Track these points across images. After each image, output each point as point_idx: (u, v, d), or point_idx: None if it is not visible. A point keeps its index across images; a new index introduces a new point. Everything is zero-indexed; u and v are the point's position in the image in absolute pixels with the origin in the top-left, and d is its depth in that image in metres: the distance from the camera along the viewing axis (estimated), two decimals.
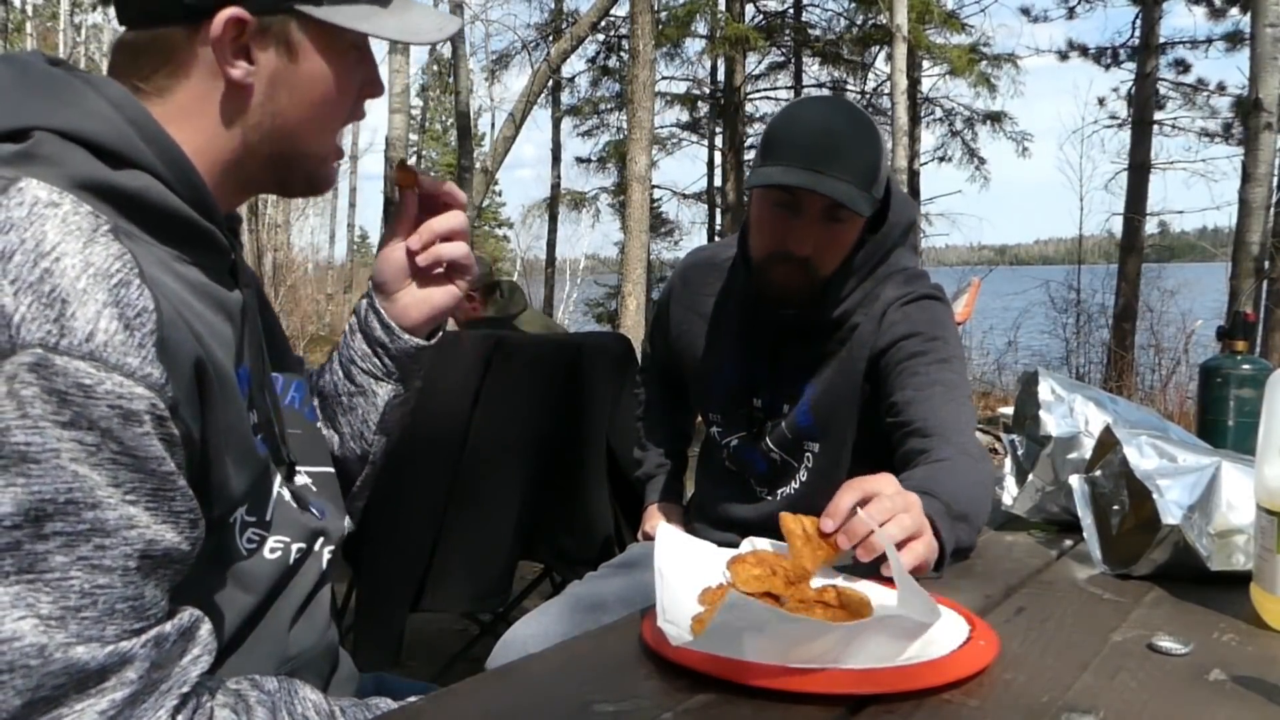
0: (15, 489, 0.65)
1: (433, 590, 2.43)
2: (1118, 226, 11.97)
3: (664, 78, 13.66)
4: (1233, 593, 1.00)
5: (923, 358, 1.44)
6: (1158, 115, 11.99)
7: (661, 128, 14.18)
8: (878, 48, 13.20)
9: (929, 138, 14.36)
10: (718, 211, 14.86)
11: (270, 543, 0.88)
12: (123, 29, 0.84)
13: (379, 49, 0.95)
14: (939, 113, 14.37)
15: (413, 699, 0.80)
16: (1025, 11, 13.84)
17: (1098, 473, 1.17)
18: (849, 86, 14.04)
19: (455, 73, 10.93)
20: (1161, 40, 12.02)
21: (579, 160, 15.65)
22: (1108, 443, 1.18)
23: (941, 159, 14.42)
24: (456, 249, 1.05)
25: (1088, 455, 1.25)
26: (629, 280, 7.16)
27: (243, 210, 0.99)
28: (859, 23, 13.58)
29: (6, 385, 0.65)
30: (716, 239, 12.51)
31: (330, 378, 1.12)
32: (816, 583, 0.95)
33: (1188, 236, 12.84)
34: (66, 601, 0.66)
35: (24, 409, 0.65)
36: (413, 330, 1.08)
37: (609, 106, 15.21)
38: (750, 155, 12.82)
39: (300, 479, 0.97)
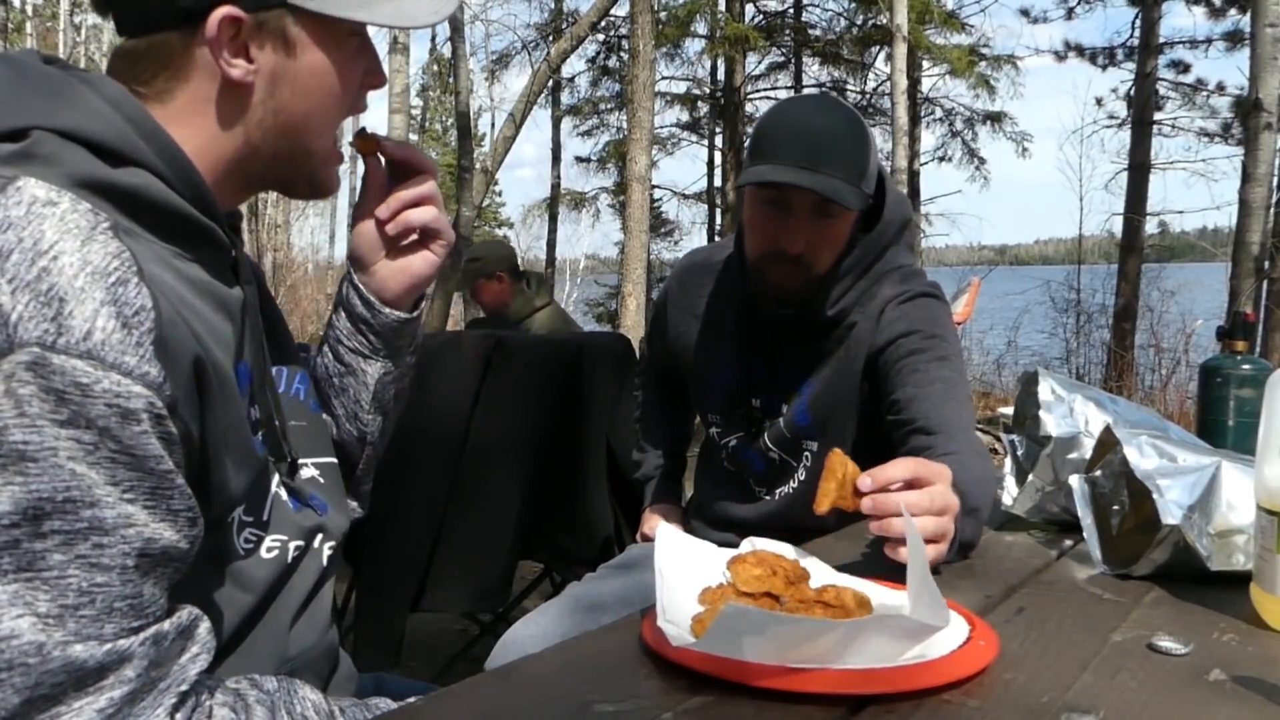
0: (13, 487, 0.65)
1: (433, 590, 2.43)
2: (1118, 226, 11.98)
3: (664, 78, 13.67)
4: (1233, 593, 1.00)
5: (922, 355, 1.45)
6: (1157, 115, 11.99)
7: (661, 128, 14.19)
8: (878, 48, 13.19)
9: (929, 138, 14.39)
10: (718, 211, 14.86)
11: (267, 542, 0.88)
12: (119, 38, 0.84)
13: (379, 46, 0.94)
14: (939, 113, 14.39)
15: (412, 699, 0.80)
16: (1025, 13, 13.84)
17: (1098, 473, 1.17)
18: (849, 86, 14.04)
19: (455, 73, 10.93)
20: (1161, 40, 12.02)
21: (579, 160, 15.66)
22: (1108, 443, 1.18)
23: (941, 159, 14.43)
24: (425, 214, 1.02)
25: (1088, 455, 1.25)
26: (629, 280, 7.17)
27: (242, 209, 0.99)
28: (859, 23, 13.58)
29: (4, 384, 0.65)
30: (716, 239, 12.52)
31: (321, 360, 1.11)
32: (816, 583, 0.95)
33: (1188, 236, 12.83)
34: (65, 600, 0.66)
35: (22, 407, 0.65)
36: (395, 303, 1.06)
37: (609, 106, 15.22)
38: None
39: (306, 471, 0.97)
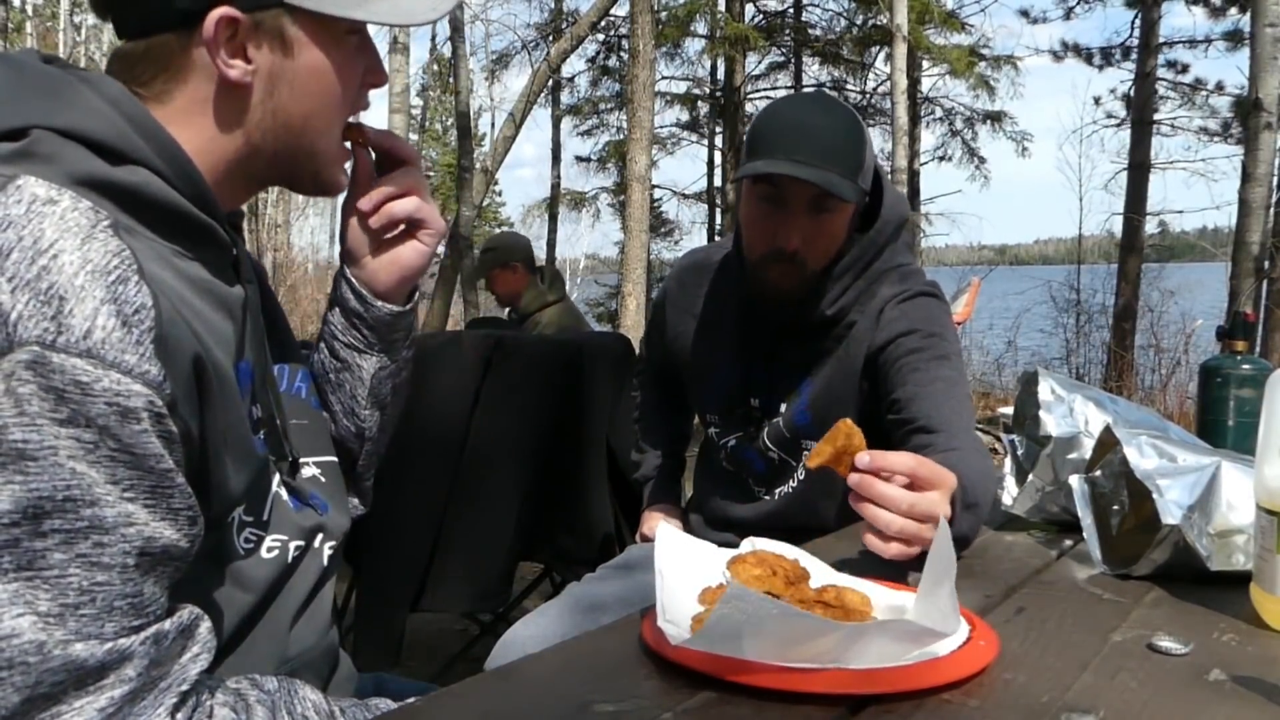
0: (13, 486, 0.65)
1: (433, 590, 2.43)
2: (1118, 226, 11.98)
3: (664, 78, 13.66)
4: (1233, 593, 1.00)
5: (922, 354, 1.45)
6: (1157, 115, 11.99)
7: (661, 128, 14.19)
8: (878, 48, 13.19)
9: (929, 137, 14.39)
10: (718, 211, 14.86)
11: (267, 542, 0.88)
12: (119, 41, 0.84)
13: (379, 45, 0.94)
14: (939, 112, 14.38)
15: (412, 699, 0.80)
16: (1024, 13, 13.83)
17: (1098, 473, 1.17)
18: (849, 86, 14.04)
19: (455, 73, 10.93)
20: (1161, 40, 12.02)
21: (579, 160, 15.65)
22: (1108, 443, 1.18)
23: (941, 158, 14.43)
24: (407, 204, 1.01)
25: (1088, 455, 1.25)
26: (629, 280, 7.16)
27: (243, 208, 0.98)
28: (859, 23, 13.57)
29: (4, 383, 0.65)
30: (716, 239, 12.51)
31: (317, 357, 1.10)
32: (816, 583, 0.95)
33: (1188, 236, 12.83)
34: (65, 599, 0.66)
35: (21, 406, 0.65)
36: (387, 296, 1.05)
37: (609, 106, 15.20)
38: None
39: (308, 470, 0.97)
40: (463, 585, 2.45)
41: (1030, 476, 1.33)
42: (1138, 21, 12.16)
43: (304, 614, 0.92)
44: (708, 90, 15.06)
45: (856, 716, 0.73)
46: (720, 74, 14.55)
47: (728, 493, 1.67)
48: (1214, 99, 12.52)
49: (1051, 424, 1.32)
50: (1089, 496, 1.17)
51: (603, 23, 11.47)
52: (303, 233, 23.13)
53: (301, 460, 0.96)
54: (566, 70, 14.42)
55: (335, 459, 1.03)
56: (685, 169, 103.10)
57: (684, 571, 0.96)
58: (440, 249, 1.06)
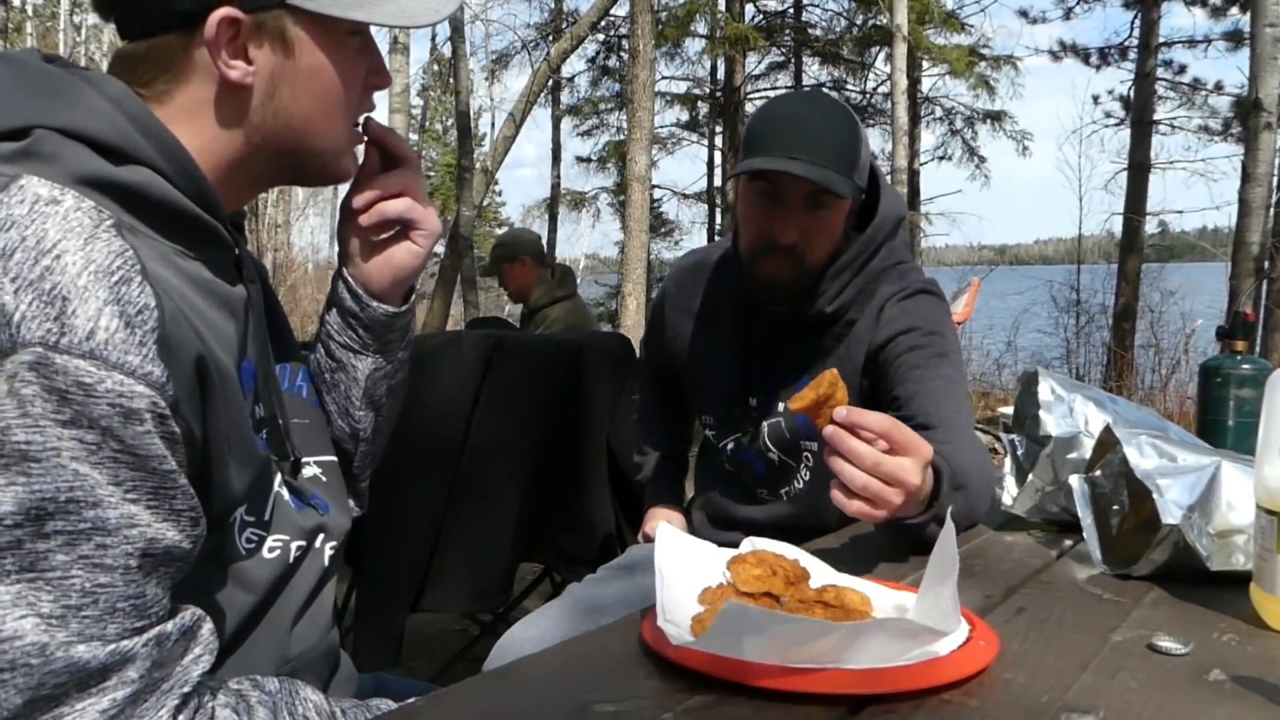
0: (16, 488, 0.65)
1: (433, 590, 2.43)
2: (1118, 226, 11.98)
3: (664, 78, 13.65)
4: (1233, 593, 1.00)
5: (921, 352, 1.46)
6: (1157, 115, 11.99)
7: (661, 128, 14.17)
8: (878, 48, 13.18)
9: (929, 137, 14.38)
10: (718, 211, 14.85)
11: (269, 542, 0.88)
12: (122, 42, 0.84)
13: (379, 45, 0.94)
14: (939, 112, 14.38)
15: (412, 699, 0.80)
16: (1023, 13, 13.81)
17: (1098, 473, 1.17)
18: (849, 86, 14.03)
19: (455, 73, 10.92)
20: (1160, 40, 12.02)
21: (579, 160, 15.64)
22: (1108, 442, 1.18)
23: (941, 157, 14.42)
24: (399, 205, 1.00)
25: (1088, 455, 1.25)
26: (629, 280, 7.16)
27: (244, 208, 0.98)
28: (859, 23, 13.56)
29: (7, 384, 0.65)
30: (716, 239, 12.50)
31: (314, 357, 1.10)
32: (816, 583, 0.95)
33: (1188, 236, 12.82)
34: (68, 600, 0.66)
35: (24, 408, 0.65)
36: (383, 296, 1.04)
37: (609, 106, 15.20)
38: None
39: (309, 470, 0.97)
40: (463, 585, 2.45)
41: (1030, 476, 1.33)
42: (1137, 21, 12.16)
43: (305, 614, 0.92)
44: (708, 90, 15.05)
45: (856, 716, 0.73)
46: (720, 74, 14.54)
47: (731, 493, 1.67)
48: (1214, 99, 12.53)
49: (1051, 424, 1.32)
50: (1089, 496, 1.17)
51: (603, 23, 11.46)
52: (303, 233, 23.16)
53: (303, 460, 0.96)
54: (566, 70, 14.42)
55: (336, 459, 1.03)
56: (685, 169, 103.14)
57: (684, 572, 0.96)
58: (440, 249, 1.05)
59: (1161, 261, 12.45)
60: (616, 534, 2.59)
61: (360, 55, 0.89)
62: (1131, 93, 12.04)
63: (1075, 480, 1.19)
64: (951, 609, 0.81)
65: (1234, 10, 12.08)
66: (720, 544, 1.07)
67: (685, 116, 15.26)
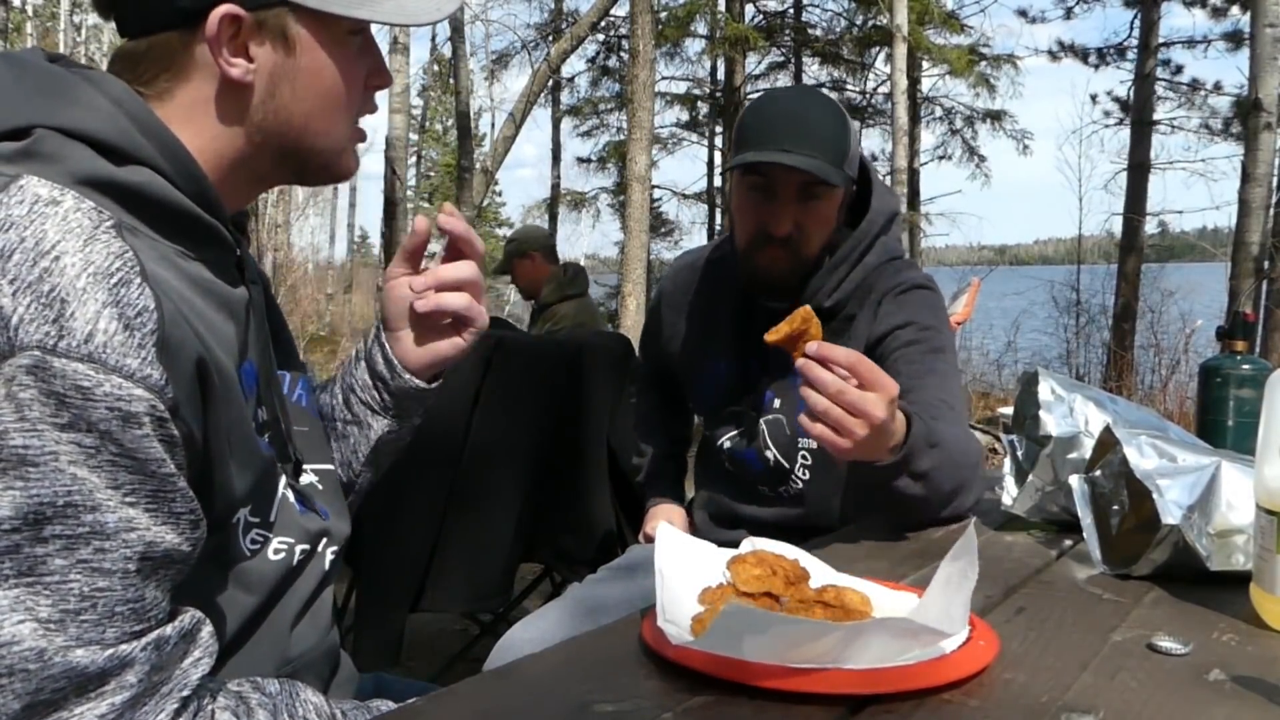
0: (14, 492, 0.64)
1: (433, 590, 2.42)
2: (1117, 226, 11.98)
3: (664, 78, 13.66)
4: (1233, 593, 1.00)
5: (917, 346, 1.49)
6: (1156, 114, 11.99)
7: (661, 128, 14.18)
8: (878, 48, 13.18)
9: (929, 137, 14.39)
10: (718, 211, 14.85)
11: (274, 544, 0.87)
12: (121, 40, 0.84)
13: (380, 44, 0.94)
14: (939, 111, 14.38)
15: (412, 700, 0.80)
16: (1022, 13, 13.81)
17: (1098, 473, 1.17)
18: (849, 86, 14.04)
19: (455, 73, 10.93)
20: (1160, 40, 12.02)
21: (579, 160, 15.64)
22: (1108, 443, 1.18)
23: (941, 157, 14.42)
24: (458, 300, 1.01)
25: (1088, 455, 1.25)
26: (629, 280, 7.16)
27: (247, 208, 0.98)
28: (859, 23, 13.57)
29: (5, 388, 0.65)
30: (716, 238, 12.47)
31: (329, 400, 1.11)
32: (816, 583, 0.95)
33: (1188, 236, 12.82)
34: (66, 605, 0.66)
35: (22, 411, 0.65)
36: (415, 372, 1.06)
37: (609, 106, 15.20)
38: None
39: (306, 477, 0.97)
40: (463, 585, 2.44)
41: (1030, 476, 1.33)
42: (1137, 21, 12.16)
43: (305, 615, 0.92)
44: (708, 90, 15.06)
45: (856, 716, 0.73)
46: (720, 74, 14.54)
47: (733, 492, 1.67)
48: (1214, 99, 12.53)
49: (1051, 424, 1.32)
50: (1089, 496, 1.17)
51: (603, 23, 11.46)
52: (303, 233, 23.14)
53: (303, 466, 0.96)
54: (566, 70, 14.43)
55: (334, 468, 1.02)
56: (685, 169, 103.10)
57: (684, 571, 0.96)
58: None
59: (1161, 262, 12.45)
60: (616, 534, 2.59)
61: (361, 54, 0.89)
62: (1131, 93, 12.04)
63: (1075, 480, 1.19)
64: (960, 613, 0.81)
65: (1234, 10, 12.08)
66: (724, 542, 1.07)
67: (685, 116, 15.28)
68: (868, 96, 13.96)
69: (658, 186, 13.95)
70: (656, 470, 1.86)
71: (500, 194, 33.60)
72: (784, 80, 14.42)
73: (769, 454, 1.59)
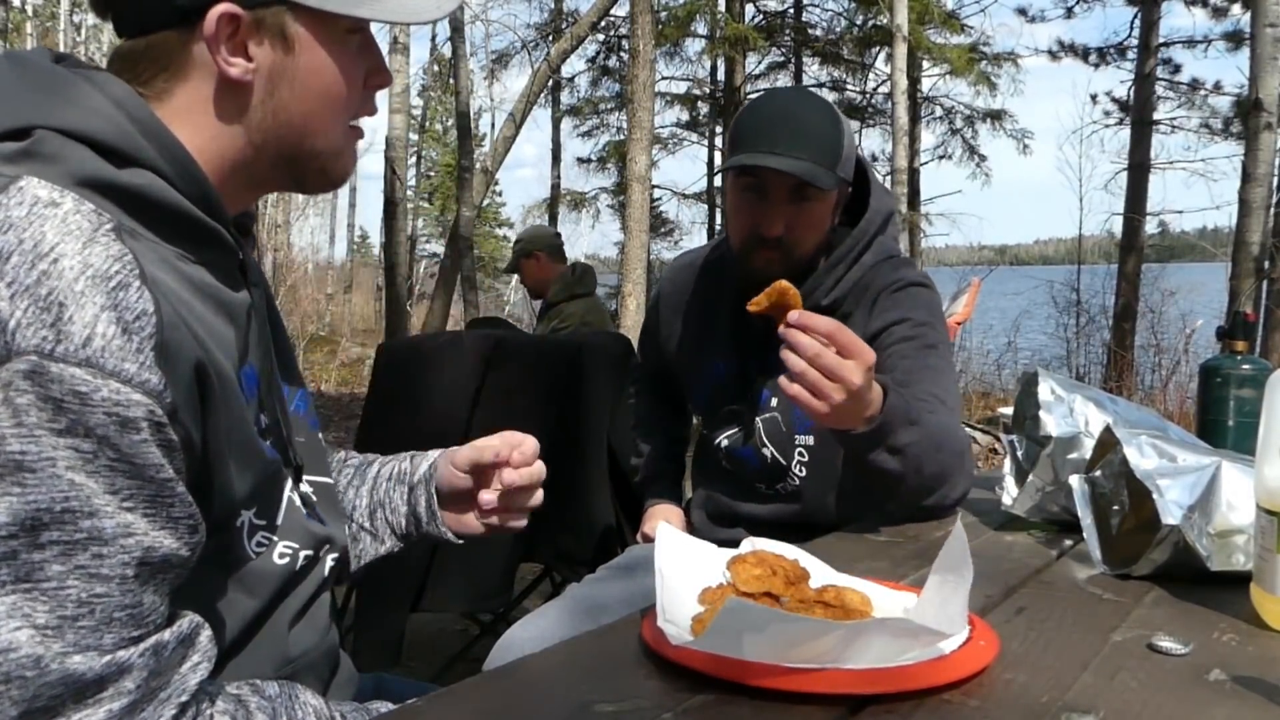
0: (11, 498, 0.64)
1: (433, 590, 2.42)
2: (1118, 226, 11.98)
3: (664, 78, 13.65)
4: (1233, 593, 1.00)
5: (911, 343, 1.50)
6: (1156, 114, 11.99)
7: (661, 128, 14.18)
8: (878, 48, 13.18)
9: (929, 137, 14.38)
10: (718, 211, 14.84)
11: (280, 547, 0.87)
12: (119, 40, 0.84)
13: (380, 43, 0.93)
14: (939, 111, 14.38)
15: (412, 700, 0.80)
16: (1022, 12, 13.80)
17: (1098, 473, 1.17)
18: (849, 87, 14.04)
19: (455, 73, 10.92)
20: (1161, 40, 12.02)
21: (579, 160, 15.64)
22: (1108, 443, 1.18)
23: (941, 157, 14.42)
24: (519, 524, 1.11)
25: (1088, 455, 1.25)
26: (629, 280, 7.15)
27: (254, 210, 0.98)
28: (859, 23, 13.57)
29: (2, 393, 0.64)
30: (714, 239, 12.46)
31: (351, 496, 1.12)
32: (816, 583, 0.95)
33: (1188, 236, 12.83)
34: (63, 611, 0.65)
35: (19, 417, 0.64)
36: (450, 526, 1.11)
37: (609, 106, 15.20)
38: None
39: (303, 487, 0.97)
40: (463, 585, 2.44)
41: (1030, 476, 1.33)
42: (1137, 21, 12.16)
43: (304, 616, 0.92)
44: (708, 90, 15.05)
45: (856, 716, 0.73)
46: (720, 74, 14.54)
47: (731, 490, 1.67)
48: (1214, 99, 12.53)
49: (1051, 424, 1.32)
50: (1089, 496, 1.17)
51: (603, 23, 11.46)
52: (303, 233, 23.15)
53: (303, 473, 0.96)
54: (566, 70, 14.42)
55: (330, 481, 1.02)
56: (685, 169, 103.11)
57: (684, 571, 0.96)
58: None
59: (1161, 261, 12.45)
60: (616, 534, 2.59)
61: (361, 54, 0.88)
62: (1131, 93, 12.04)
63: (1075, 480, 1.19)
64: (959, 613, 0.81)
65: (1234, 10, 12.08)
66: (722, 541, 1.07)
67: (685, 116, 15.27)
68: (868, 96, 13.96)
69: (658, 186, 13.95)
70: (655, 470, 1.86)
71: (500, 194, 33.59)
72: (784, 80, 14.42)
73: (766, 451, 1.59)
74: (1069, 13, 13.25)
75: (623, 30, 13.26)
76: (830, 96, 12.78)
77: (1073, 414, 1.33)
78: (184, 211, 0.79)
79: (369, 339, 13.45)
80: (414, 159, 24.57)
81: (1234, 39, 12.03)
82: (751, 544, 1.03)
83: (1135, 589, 1.06)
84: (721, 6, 13.36)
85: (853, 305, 1.56)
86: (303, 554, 0.89)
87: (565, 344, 2.70)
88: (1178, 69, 12.63)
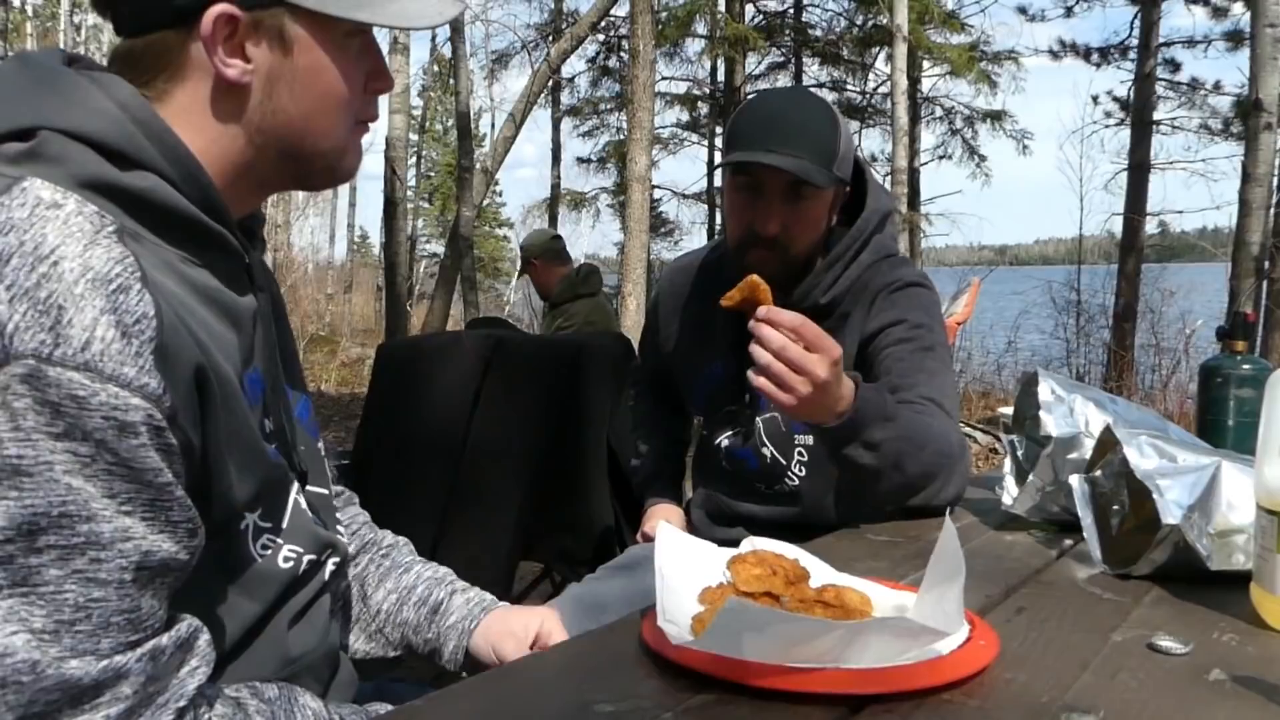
0: (8, 502, 0.64)
1: None
2: (1118, 226, 11.97)
3: (664, 78, 13.66)
4: (1233, 593, 1.00)
5: (909, 343, 1.50)
6: (1157, 114, 11.99)
7: (661, 128, 14.19)
8: (878, 48, 13.18)
9: (929, 137, 14.39)
10: (717, 211, 14.84)
11: (284, 550, 0.87)
12: (118, 39, 0.83)
13: (380, 44, 0.92)
14: (939, 111, 14.38)
15: (412, 700, 0.80)
16: (1022, 11, 13.80)
17: (1098, 473, 1.17)
18: (849, 87, 14.04)
19: (455, 73, 10.92)
20: (1161, 40, 12.02)
21: (579, 160, 15.66)
22: (1108, 443, 1.18)
23: (941, 157, 14.43)
24: None
25: (1088, 455, 1.25)
26: (629, 280, 7.15)
27: (261, 212, 0.97)
28: (859, 23, 13.58)
29: (0, 396, 0.64)
30: (713, 240, 12.46)
31: (375, 597, 1.15)
32: (816, 583, 0.95)
33: (1188, 236, 12.82)
34: (60, 615, 0.65)
35: (16, 421, 0.64)
36: (466, 656, 1.13)
37: (609, 106, 15.21)
38: None
39: (307, 491, 0.97)
40: None
41: (1030, 476, 1.33)
42: (1137, 21, 12.15)
43: (304, 617, 0.92)
44: (708, 90, 15.05)
45: (856, 716, 0.73)
46: (720, 74, 14.54)
47: (730, 490, 1.67)
48: (1214, 99, 12.53)
49: (1051, 424, 1.32)
50: (1089, 496, 1.17)
51: (603, 23, 11.46)
52: (303, 233, 23.11)
53: (306, 479, 0.96)
54: (566, 70, 14.42)
55: (328, 492, 1.01)
56: (685, 169, 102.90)
57: (684, 571, 0.96)
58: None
59: (1161, 262, 12.44)
60: (616, 533, 2.59)
61: (361, 56, 0.87)
62: (1131, 93, 12.03)
63: (1075, 480, 1.19)
64: (955, 611, 0.81)
65: (1235, 10, 12.09)
66: (722, 540, 1.07)
67: (685, 116, 15.28)
68: (868, 96, 13.97)
69: (658, 186, 13.95)
70: (654, 471, 1.86)
71: (500, 194, 33.60)
72: (784, 80, 14.43)
73: (765, 451, 1.60)
74: (1069, 12, 13.24)
75: (623, 30, 13.27)
76: (830, 96, 12.78)
77: (1073, 414, 1.33)
78: (187, 214, 0.78)
79: (369, 339, 13.44)
80: (414, 159, 24.56)
81: (1234, 39, 12.02)
82: (751, 544, 1.03)
83: (1135, 589, 1.06)
84: (721, 6, 13.37)
85: (850, 304, 1.56)
86: (306, 558, 0.89)
87: (565, 344, 2.70)
88: (1178, 69, 12.64)
